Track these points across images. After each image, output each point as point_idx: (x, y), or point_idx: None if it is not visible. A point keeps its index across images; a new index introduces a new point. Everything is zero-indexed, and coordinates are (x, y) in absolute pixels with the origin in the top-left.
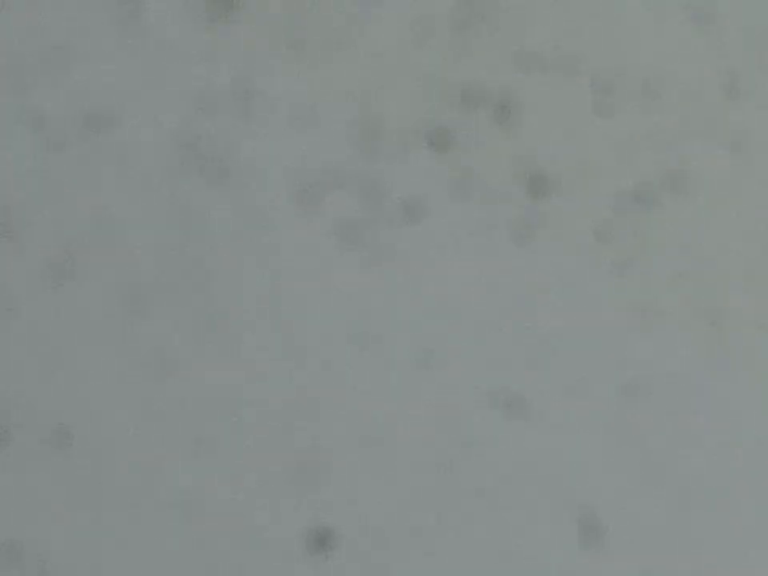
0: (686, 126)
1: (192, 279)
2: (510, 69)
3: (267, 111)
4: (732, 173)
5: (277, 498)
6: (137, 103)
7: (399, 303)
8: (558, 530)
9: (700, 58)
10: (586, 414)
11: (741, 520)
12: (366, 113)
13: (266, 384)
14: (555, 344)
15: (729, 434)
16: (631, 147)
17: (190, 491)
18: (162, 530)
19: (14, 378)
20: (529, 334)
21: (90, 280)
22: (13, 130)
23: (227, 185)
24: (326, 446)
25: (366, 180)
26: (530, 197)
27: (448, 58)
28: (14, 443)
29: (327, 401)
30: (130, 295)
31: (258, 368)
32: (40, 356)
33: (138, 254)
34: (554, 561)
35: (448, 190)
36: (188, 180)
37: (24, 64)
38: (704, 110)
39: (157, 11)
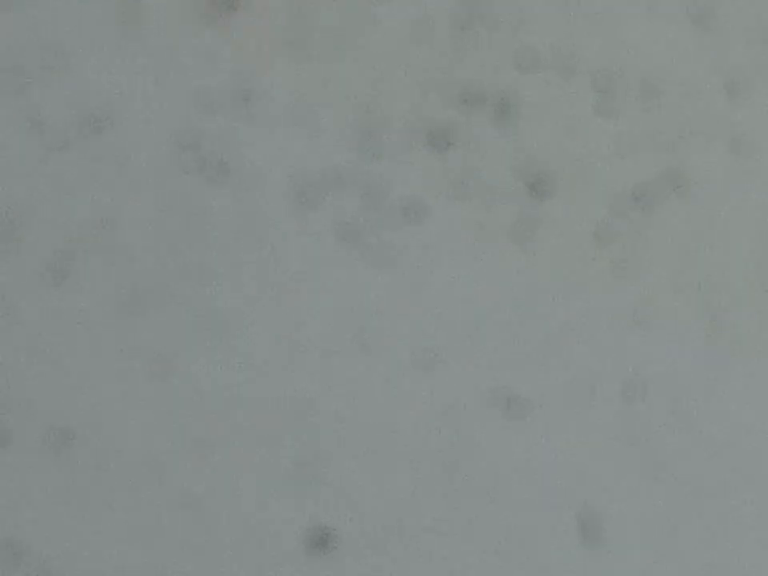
0: (686, 126)
1: (192, 279)
2: (510, 69)
3: (267, 111)
4: (732, 173)
5: (277, 498)
6: (137, 103)
7: (399, 303)
8: (558, 529)
9: (700, 58)
10: (585, 413)
11: (741, 518)
12: (366, 113)
13: (266, 384)
14: (555, 344)
15: (729, 433)
16: (631, 147)
17: (189, 491)
18: (162, 530)
19: (14, 378)
20: (529, 334)
21: (89, 280)
22: (13, 130)
23: (227, 185)
24: (325, 446)
25: (366, 180)
26: (530, 197)
27: (448, 58)
28: (14, 443)
29: (327, 401)
30: (130, 295)
31: (258, 368)
32: (40, 356)
33: (138, 254)
34: (554, 560)
35: (448, 190)
36: (188, 180)
37: (24, 64)
38: (704, 110)
39: (157, 11)
